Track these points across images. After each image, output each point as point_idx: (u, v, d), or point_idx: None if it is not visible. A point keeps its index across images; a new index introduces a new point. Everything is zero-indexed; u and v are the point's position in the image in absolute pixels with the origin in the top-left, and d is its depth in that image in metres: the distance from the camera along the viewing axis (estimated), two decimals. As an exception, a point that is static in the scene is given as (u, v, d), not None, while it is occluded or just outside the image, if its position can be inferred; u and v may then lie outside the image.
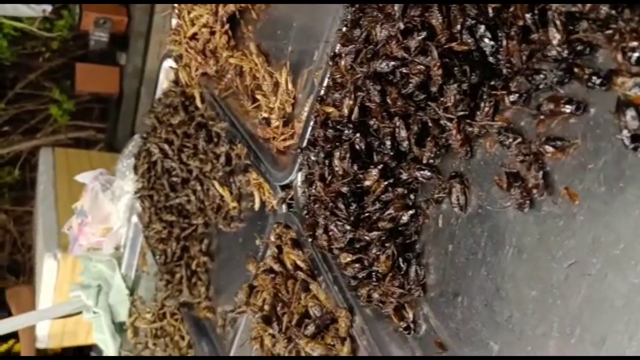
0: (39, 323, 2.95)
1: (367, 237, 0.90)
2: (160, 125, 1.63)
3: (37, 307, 2.90)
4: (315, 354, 0.94)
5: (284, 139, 1.24)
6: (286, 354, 1.04)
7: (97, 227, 2.00)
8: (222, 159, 1.42)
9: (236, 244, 1.45)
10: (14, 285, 4.13)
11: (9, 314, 2.94)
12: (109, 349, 2.09)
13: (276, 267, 1.16)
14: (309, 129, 1.07)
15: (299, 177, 1.14)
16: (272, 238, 1.19)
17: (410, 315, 0.86)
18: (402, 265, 0.87)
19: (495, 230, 0.74)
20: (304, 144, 1.08)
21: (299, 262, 1.09)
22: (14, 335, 3.08)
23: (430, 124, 0.82)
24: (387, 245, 0.88)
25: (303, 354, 0.99)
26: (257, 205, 1.33)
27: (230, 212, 1.44)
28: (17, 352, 3.12)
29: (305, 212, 1.09)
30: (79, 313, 2.25)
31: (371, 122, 0.90)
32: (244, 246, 1.42)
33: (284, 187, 1.21)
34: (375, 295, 0.90)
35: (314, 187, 1.01)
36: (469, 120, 0.77)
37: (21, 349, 3.11)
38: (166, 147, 1.60)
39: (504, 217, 0.73)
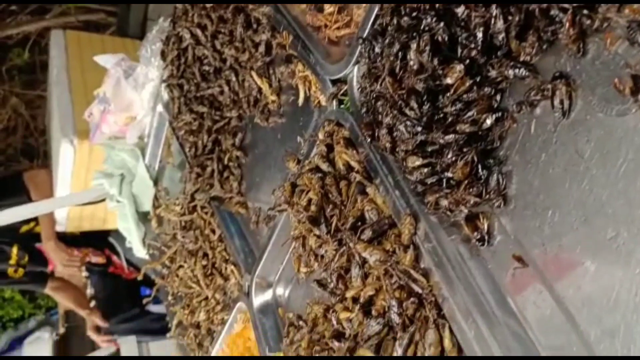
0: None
1: (441, 141, 0.80)
2: (192, 8, 1.47)
3: (55, 190, 2.87)
4: (372, 259, 0.88)
5: (338, 28, 1.10)
6: (336, 257, 0.98)
7: (120, 116, 1.89)
8: (262, 48, 1.29)
9: (273, 140, 1.36)
10: (29, 169, 4.08)
11: (28, 197, 2.92)
12: (133, 237, 2.07)
13: (324, 166, 1.07)
14: (373, 15, 0.93)
15: (355, 71, 1.02)
16: (321, 136, 1.10)
17: (485, 226, 0.78)
18: (481, 173, 0.78)
19: (605, 140, 0.64)
20: (366, 33, 0.94)
21: (352, 163, 1.00)
22: (33, 217, 3.07)
23: (536, 14, 0.69)
24: (465, 150, 0.78)
25: (357, 259, 0.93)
26: (301, 100, 1.22)
27: (268, 106, 1.33)
28: (38, 233, 3.13)
29: (363, 109, 0.99)
30: (102, 201, 2.21)
31: (458, 10, 0.77)
32: (282, 142, 1.33)
33: (335, 82, 1.09)
34: (444, 203, 0.82)
35: (379, 82, 0.89)
36: (587, 11, 0.64)
37: (41, 231, 3.11)
38: (199, 32, 1.45)
39: (620, 126, 0.63)
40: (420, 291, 0.82)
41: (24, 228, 3.18)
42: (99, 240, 3.29)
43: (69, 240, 3.18)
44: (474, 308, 0.76)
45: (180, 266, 1.65)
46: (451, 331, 0.79)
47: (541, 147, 0.72)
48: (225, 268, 1.50)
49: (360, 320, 0.89)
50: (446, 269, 0.80)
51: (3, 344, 4.65)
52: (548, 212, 0.71)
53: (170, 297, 1.78)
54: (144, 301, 2.89)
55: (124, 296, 3.39)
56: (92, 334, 3.21)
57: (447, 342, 0.78)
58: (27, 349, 4.29)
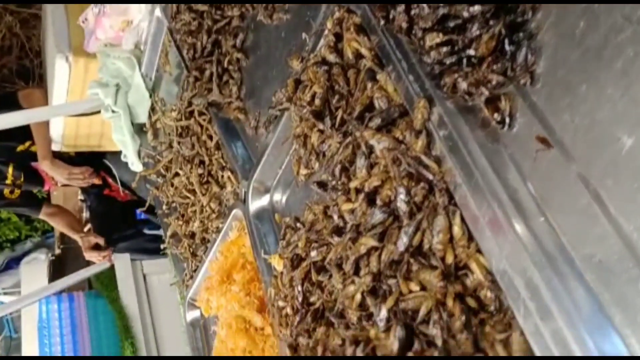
0: (53, 124, 2.84)
1: (466, 14, 0.72)
2: None
3: (50, 109, 2.77)
4: (380, 146, 0.81)
5: None
6: (340, 150, 0.91)
7: (115, 19, 1.77)
8: None
9: (277, 39, 1.26)
10: (23, 89, 3.95)
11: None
12: (128, 150, 1.99)
13: (332, 57, 0.98)
14: None
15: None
16: (330, 25, 1.00)
17: (507, 107, 0.71)
18: (507, 48, 0.70)
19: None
20: None
21: (363, 51, 0.91)
22: (29, 137, 2.98)
23: None
24: (492, 22, 0.70)
25: (363, 149, 0.86)
26: (308, -9, 1.11)
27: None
28: (34, 153, 3.04)
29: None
30: (96, 113, 2.12)
31: None
32: (286, 41, 1.23)
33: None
34: (463, 86, 0.74)
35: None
36: None
37: (37, 150, 3.02)
38: None
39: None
40: (431, 177, 0.75)
41: (20, 147, 3.09)
42: (95, 161, 3.21)
43: (65, 161, 3.10)
44: (488, 195, 0.69)
45: (176, 174, 1.59)
46: (462, 219, 0.72)
47: (580, 14, 0.63)
48: (222, 176, 1.43)
49: (363, 210, 0.83)
50: (461, 154, 0.73)
51: (0, 263, 4.66)
52: (582, 87, 0.63)
53: (164, 207, 1.72)
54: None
55: (119, 218, 3.36)
56: (88, 254, 3.18)
57: (456, 230, 0.72)
58: (24, 269, 4.29)
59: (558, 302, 0.61)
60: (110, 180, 3.25)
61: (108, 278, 2.59)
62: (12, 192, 3.04)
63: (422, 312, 0.74)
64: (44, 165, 2.92)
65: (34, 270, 4.13)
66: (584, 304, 0.59)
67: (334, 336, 0.89)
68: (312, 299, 0.98)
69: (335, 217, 0.91)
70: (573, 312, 0.59)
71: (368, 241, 0.79)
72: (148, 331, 2.46)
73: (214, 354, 1.40)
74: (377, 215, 0.79)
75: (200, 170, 1.48)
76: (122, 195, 3.30)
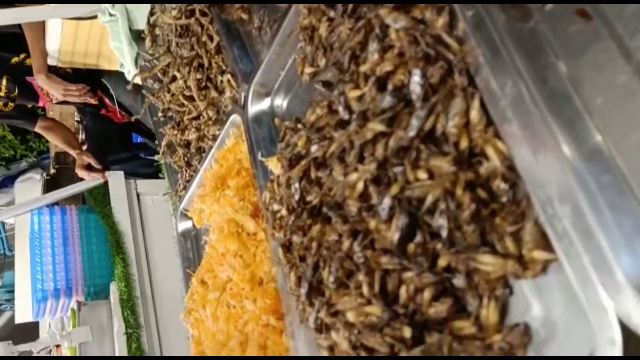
0: (49, 38, 2.72)
1: None
2: None
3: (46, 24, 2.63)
4: (397, 26, 0.73)
5: None
6: (351, 36, 0.83)
7: None
8: None
9: None
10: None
11: (19, 27, 2.68)
12: (125, 57, 1.89)
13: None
14: None
15: None
16: None
17: (544, -20, 0.63)
18: None
19: None
20: None
21: None
22: (25, 49, 2.85)
23: None
24: None
25: (377, 32, 0.77)
26: None
27: None
28: (29, 66, 2.91)
29: None
30: (94, 17, 2.00)
31: None
32: None
33: None
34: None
35: None
36: None
37: (32, 63, 2.89)
38: None
39: None
40: (450, 57, 0.68)
41: (14, 59, 2.97)
42: (92, 80, 3.09)
43: (61, 77, 2.98)
44: (514, 74, 0.62)
45: (173, 79, 1.50)
46: (482, 103, 0.66)
47: None
48: (221, 81, 1.34)
49: (373, 95, 0.75)
50: (487, 31, 0.65)
51: (-5, 181, 4.61)
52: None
53: (160, 114, 1.64)
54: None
55: (115, 139, 3.28)
56: (80, 172, 3.11)
57: (474, 114, 0.65)
58: (18, 187, 4.24)
59: (582, 184, 0.55)
60: (107, 100, 3.14)
61: (101, 194, 2.53)
62: (5, 105, 2.94)
63: (429, 201, 0.68)
64: (39, 79, 2.81)
65: (29, 189, 4.07)
66: (608, 184, 0.53)
67: (330, 232, 0.84)
68: (309, 198, 0.92)
69: (341, 109, 0.84)
70: (597, 192, 0.53)
71: (376, 126, 0.72)
72: (139, 248, 2.43)
73: (204, 263, 1.36)
74: (388, 99, 0.72)
75: (199, 75, 1.40)
76: (119, 117, 3.21)
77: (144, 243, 2.46)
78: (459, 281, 0.69)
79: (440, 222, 0.67)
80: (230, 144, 1.33)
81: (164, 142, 1.67)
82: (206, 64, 1.37)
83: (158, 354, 2.32)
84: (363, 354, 0.80)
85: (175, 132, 1.57)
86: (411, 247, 0.71)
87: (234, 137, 1.32)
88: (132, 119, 2.57)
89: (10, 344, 2.25)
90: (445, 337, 0.70)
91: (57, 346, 2.68)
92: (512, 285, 0.66)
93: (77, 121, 3.99)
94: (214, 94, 1.36)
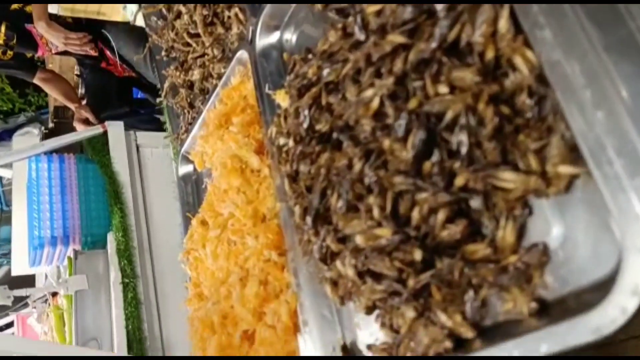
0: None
1: None
2: None
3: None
4: None
5: None
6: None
7: None
8: None
9: None
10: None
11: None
12: (129, -2, 1.82)
13: None
14: None
15: None
16: None
17: None
18: None
19: None
20: None
21: None
22: (26, -1, 2.76)
23: None
24: None
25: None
26: None
27: None
28: (29, 14, 2.83)
29: None
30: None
31: None
32: None
33: None
34: None
35: None
36: None
37: (32, 10, 2.81)
38: None
39: None
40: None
41: (14, 6, 2.88)
42: (92, 31, 3.00)
43: (61, 26, 2.90)
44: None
45: (178, 14, 1.44)
46: (512, 14, 0.61)
47: None
48: (229, 16, 1.29)
49: (393, 8, 0.71)
50: None
51: (-8, 134, 4.55)
52: None
53: (163, 54, 1.58)
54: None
55: (115, 94, 3.21)
56: (79, 126, 3.06)
57: (503, 22, 0.61)
58: (17, 140, 4.18)
59: (616, 89, 0.51)
60: (108, 53, 3.06)
61: (100, 144, 2.48)
62: (4, 52, 2.87)
63: (449, 116, 0.65)
64: (40, 27, 2.73)
65: (27, 143, 4.02)
66: (651, 89, 0.50)
67: (340, 158, 0.81)
68: (318, 127, 0.88)
69: (357, 29, 0.79)
70: (633, 97, 0.50)
71: (395, 38, 0.68)
72: (138, 199, 2.40)
73: (205, 204, 1.33)
74: (409, 10, 0.68)
75: (205, 11, 1.34)
76: (120, 70, 3.13)
77: (142, 194, 2.42)
78: (475, 202, 0.65)
79: (460, 137, 0.63)
80: (235, 82, 1.28)
81: (166, 84, 1.62)
82: (213, -2, 1.31)
83: (154, 304, 2.31)
84: (369, 281, 0.77)
85: (179, 73, 1.52)
86: (427, 165, 0.67)
87: (239, 75, 1.28)
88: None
89: (6, 289, 2.23)
90: (457, 261, 0.68)
91: (54, 295, 2.67)
92: (531, 205, 0.63)
93: (76, 75, 3.90)
94: (220, 30, 1.31)
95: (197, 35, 1.41)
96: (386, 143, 0.70)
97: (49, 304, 2.73)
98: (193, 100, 1.49)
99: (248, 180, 1.12)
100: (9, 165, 4.49)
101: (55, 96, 3.25)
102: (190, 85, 1.50)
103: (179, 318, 2.28)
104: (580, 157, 0.55)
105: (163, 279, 2.35)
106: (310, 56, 0.99)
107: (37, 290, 2.42)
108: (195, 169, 1.55)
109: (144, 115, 3.35)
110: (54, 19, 2.82)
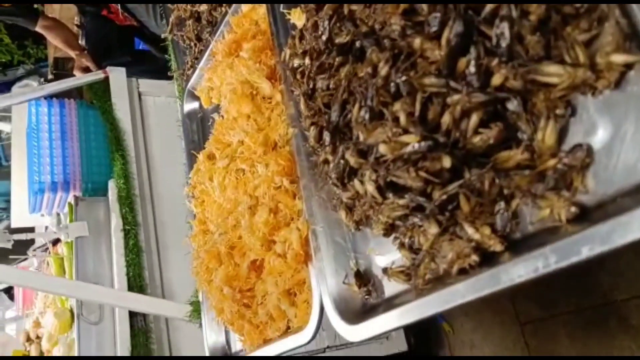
0: None
1: None
2: None
3: None
4: None
5: None
6: None
7: None
8: None
9: None
10: None
11: None
12: None
13: None
14: None
15: None
16: None
17: None
18: None
19: None
20: None
21: None
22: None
23: None
24: None
25: None
26: None
27: None
28: (27, -44, 2.71)
29: None
30: None
31: None
32: None
33: None
34: None
35: None
36: None
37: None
38: None
39: None
40: None
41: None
42: (94, -23, 2.90)
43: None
44: None
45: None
46: None
47: None
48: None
49: None
50: None
51: (-9, 86, 4.45)
52: None
53: (170, -18, 1.51)
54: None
55: (116, 42, 3.11)
56: (78, 73, 2.97)
57: None
58: (16, 92, 4.08)
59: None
60: (109, -1, 2.96)
61: (102, 90, 2.41)
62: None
63: (489, 6, 0.59)
64: (39, -30, 2.62)
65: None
66: None
67: (362, 68, 0.75)
68: (338, 40, 0.82)
69: None
70: None
71: None
72: (139, 147, 2.35)
73: (212, 138, 1.28)
74: None
75: None
76: (121, 19, 3.04)
77: (144, 142, 2.37)
78: (512, 104, 0.60)
79: (501, 28, 0.58)
80: (246, 10, 1.21)
81: (172, 17, 1.55)
82: None
83: (155, 252, 2.28)
84: (390, 196, 0.73)
85: (185, 5, 1.44)
86: (461, 63, 0.62)
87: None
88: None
89: (6, 232, 2.19)
90: (488, 170, 0.63)
91: (55, 244, 2.64)
92: (574, 105, 0.58)
93: (76, 25, 3.79)
94: (231, -47, 1.23)
95: (206, -39, 1.33)
96: (416, 42, 0.65)
97: (49, 252, 2.70)
98: (200, 32, 1.42)
99: (259, 107, 1.06)
100: (7, 119, 4.42)
101: (56, 44, 3.15)
102: (198, 18, 1.43)
103: (180, 266, 2.26)
104: (636, 47, 0.50)
105: (164, 227, 2.31)
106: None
107: (37, 235, 2.38)
108: (201, 106, 1.49)
109: (144, 66, 3.26)
110: (55, -38, 2.72)
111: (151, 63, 3.37)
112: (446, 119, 0.64)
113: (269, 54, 1.10)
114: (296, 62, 0.97)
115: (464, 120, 0.63)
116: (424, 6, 0.63)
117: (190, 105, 1.51)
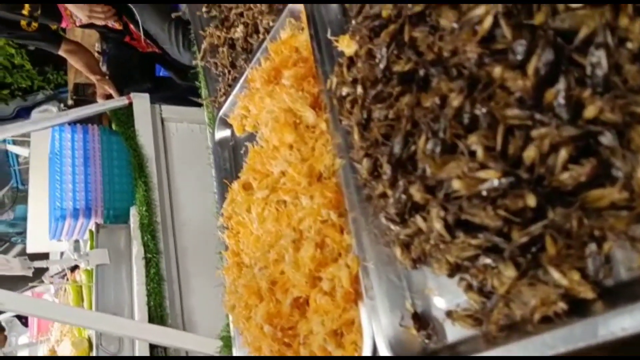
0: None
1: None
2: None
3: None
4: None
5: None
6: None
7: None
8: None
9: None
10: None
11: None
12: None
13: None
14: None
15: None
16: None
17: None
18: None
19: None
20: None
21: None
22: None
23: None
24: None
25: None
26: None
27: None
28: (53, -16, 2.74)
29: None
30: None
31: None
32: None
33: None
34: None
35: None
36: None
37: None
38: None
39: None
40: None
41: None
42: (117, 3, 2.92)
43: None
44: None
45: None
46: None
47: None
48: (279, -35, 1.19)
49: None
50: None
51: (11, 111, 4.48)
52: None
53: (204, 9, 1.48)
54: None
55: (138, 69, 3.12)
56: (101, 100, 2.97)
57: None
58: (35, 118, 4.11)
59: None
60: (132, 27, 2.97)
61: (125, 115, 2.40)
62: (29, 24, 2.80)
63: (583, 33, 0.54)
64: (64, -3, 2.65)
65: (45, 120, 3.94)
66: None
67: (427, 98, 0.71)
68: (396, 68, 0.78)
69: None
70: None
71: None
72: (162, 173, 2.31)
73: (247, 166, 1.23)
74: None
75: (252, -39, 1.24)
76: (144, 46, 3.04)
77: (166, 169, 2.33)
78: (607, 138, 0.55)
79: (598, 56, 0.53)
80: (285, 36, 1.18)
81: (204, 44, 1.52)
82: (264, -55, 1.21)
83: (176, 281, 2.22)
84: (461, 235, 0.67)
85: (219, 31, 1.42)
86: (549, 94, 0.57)
87: (290, 28, 1.18)
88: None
89: (27, 259, 2.15)
90: (576, 209, 0.57)
91: (73, 270, 2.59)
92: (681, 140, 0.53)
93: (97, 52, 3.82)
94: (269, -20, 1.21)
95: (242, -12, 1.31)
96: (496, 71, 0.60)
97: (67, 279, 2.65)
98: (235, 58, 1.39)
99: (302, 136, 1.02)
100: (26, 144, 4.43)
101: (78, 67, 3.17)
102: (232, 44, 1.40)
103: (201, 295, 2.20)
104: None
105: (185, 255, 2.26)
106: (383, -5, 0.89)
107: (57, 262, 2.34)
108: (233, 134, 1.45)
109: (166, 92, 3.26)
110: (77, -7, 2.74)
111: (172, 89, 3.38)
112: (530, 154, 0.59)
113: (312, 82, 1.07)
114: (344, 91, 0.93)
115: (552, 156, 0.58)
116: (507, 33, 0.58)
117: (222, 133, 1.48)
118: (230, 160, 1.45)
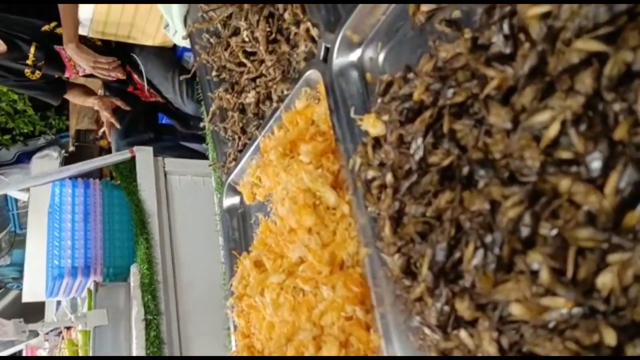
0: (82, 7, 2.54)
1: None
2: None
3: None
4: None
5: None
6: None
7: None
8: None
9: None
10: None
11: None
12: (173, 15, 1.68)
13: None
14: None
15: None
16: None
17: None
18: None
19: None
20: None
21: None
22: (56, 17, 2.67)
23: None
24: None
25: None
26: None
27: None
28: (58, 35, 2.71)
29: None
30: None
31: None
32: None
33: None
34: None
35: None
36: None
37: (63, 32, 2.69)
38: None
39: None
40: None
41: (45, 27, 2.78)
42: (121, 53, 2.88)
43: (90, 49, 2.79)
44: None
45: (235, 31, 1.28)
46: None
47: None
48: (295, 33, 1.13)
49: (574, 9, 0.53)
50: None
51: (12, 156, 4.41)
52: None
53: (214, 73, 1.42)
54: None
55: (141, 118, 3.07)
56: (107, 114, 2.90)
57: None
58: (36, 163, 4.04)
59: None
60: (136, 76, 2.94)
61: (128, 169, 2.32)
62: (32, 72, 2.77)
63: (672, 150, 0.46)
64: (69, 49, 2.62)
65: (46, 166, 3.87)
66: None
67: (473, 200, 0.62)
68: (432, 159, 0.70)
69: (501, 39, 0.62)
70: None
71: (589, 45, 0.50)
72: (164, 230, 2.21)
73: (258, 241, 1.14)
74: (603, 10, 0.50)
75: (267, 28, 1.18)
76: (147, 95, 3.01)
77: (169, 225, 2.24)
78: (701, 269, 0.47)
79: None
80: (300, 106, 1.11)
81: (212, 107, 1.45)
82: (279, 12, 1.15)
83: (176, 344, 2.09)
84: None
85: (229, 95, 1.35)
86: (631, 217, 0.48)
87: (305, 97, 1.11)
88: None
89: (22, 322, 2.03)
90: (663, 348, 0.48)
91: (68, 328, 2.46)
92: None
93: (101, 99, 3.78)
94: (285, 48, 1.14)
95: (253, 54, 1.25)
96: (564, 184, 0.52)
97: (63, 338, 2.52)
98: (245, 125, 1.32)
99: (322, 219, 0.93)
100: (25, 189, 4.33)
101: (76, 101, 3.13)
102: (243, 110, 1.33)
103: (201, 360, 2.07)
104: None
105: (187, 318, 2.14)
106: (411, 75, 0.82)
107: (54, 324, 2.21)
108: (242, 201, 1.36)
109: (168, 142, 3.20)
110: (83, 41, 2.71)
111: (173, 137, 3.32)
112: (607, 282, 0.50)
113: (331, 158, 0.99)
114: (370, 174, 0.85)
115: (634, 286, 0.49)
116: (577, 142, 0.50)
117: (231, 200, 1.39)
118: (239, 229, 1.36)
